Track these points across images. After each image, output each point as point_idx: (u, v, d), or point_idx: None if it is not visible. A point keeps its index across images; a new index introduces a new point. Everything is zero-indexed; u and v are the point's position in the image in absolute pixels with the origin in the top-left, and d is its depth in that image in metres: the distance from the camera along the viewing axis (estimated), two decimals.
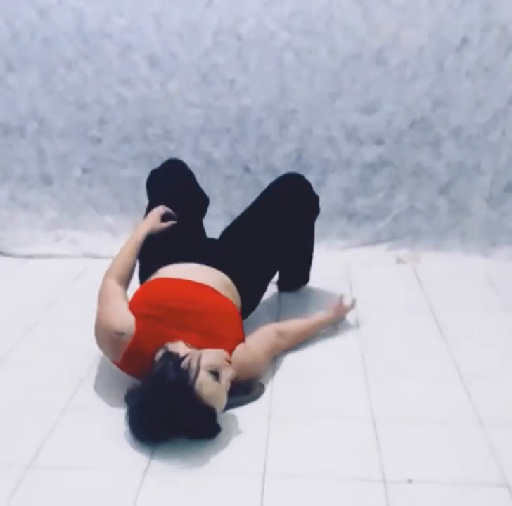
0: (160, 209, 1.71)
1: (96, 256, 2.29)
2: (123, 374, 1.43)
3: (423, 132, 2.29)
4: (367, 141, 2.27)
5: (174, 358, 1.28)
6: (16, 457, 1.22)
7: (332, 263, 2.19)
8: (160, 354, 1.33)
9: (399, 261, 2.28)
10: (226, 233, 1.81)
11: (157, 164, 2.33)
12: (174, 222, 1.71)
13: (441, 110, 2.26)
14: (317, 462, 1.20)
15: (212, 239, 1.82)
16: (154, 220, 1.68)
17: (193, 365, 1.24)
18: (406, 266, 2.26)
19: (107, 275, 1.55)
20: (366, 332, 1.73)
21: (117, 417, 1.31)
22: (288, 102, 2.26)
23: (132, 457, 1.22)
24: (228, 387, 1.28)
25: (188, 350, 1.32)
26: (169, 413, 1.21)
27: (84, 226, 2.41)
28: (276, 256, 1.76)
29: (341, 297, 1.77)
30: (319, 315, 1.75)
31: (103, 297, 1.49)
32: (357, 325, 1.76)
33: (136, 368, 1.37)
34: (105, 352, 1.45)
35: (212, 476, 1.17)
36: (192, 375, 1.22)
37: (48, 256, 2.34)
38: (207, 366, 1.25)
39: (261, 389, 1.46)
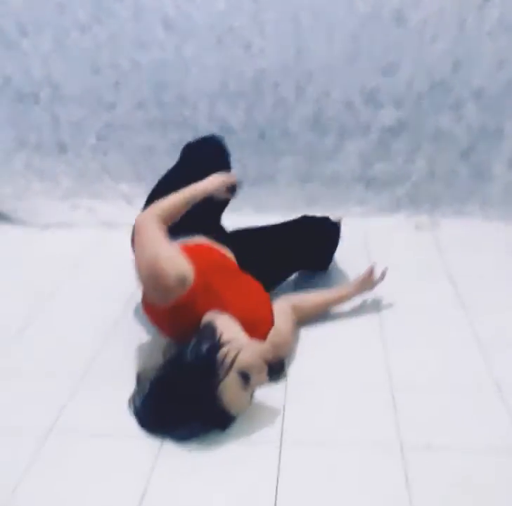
0: (231, 177, 1.55)
1: (112, 225, 2.28)
2: (143, 341, 1.44)
3: (443, 94, 2.22)
4: (386, 104, 2.22)
5: (214, 341, 1.19)
6: (38, 422, 1.23)
7: (350, 231, 2.16)
8: (205, 321, 1.27)
9: (418, 227, 2.24)
10: (240, 239, 1.72)
11: (172, 130, 2.32)
12: (232, 196, 1.60)
13: (462, 71, 2.19)
14: (335, 429, 1.21)
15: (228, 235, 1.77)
16: (220, 185, 1.50)
17: (228, 360, 1.15)
18: (425, 232, 2.21)
19: (152, 217, 1.34)
20: (385, 300, 1.71)
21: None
22: (305, 64, 2.20)
23: None
24: (254, 392, 1.22)
25: (232, 332, 1.24)
26: (182, 393, 1.14)
27: (100, 195, 2.40)
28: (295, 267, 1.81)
29: (370, 270, 1.67)
30: (342, 288, 1.70)
31: (156, 239, 1.29)
32: (375, 292, 1.73)
33: (178, 326, 1.30)
34: (152, 298, 1.32)
35: (229, 445, 1.17)
36: (221, 373, 1.14)
37: (65, 225, 2.33)
38: (242, 367, 1.16)
39: (282, 368, 1.39)
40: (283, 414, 1.26)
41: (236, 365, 1.15)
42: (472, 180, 2.29)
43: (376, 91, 2.22)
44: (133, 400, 1.24)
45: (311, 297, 1.66)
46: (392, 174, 2.30)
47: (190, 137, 2.30)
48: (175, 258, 1.27)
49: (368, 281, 1.67)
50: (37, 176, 2.43)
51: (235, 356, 1.16)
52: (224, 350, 1.17)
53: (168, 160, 2.34)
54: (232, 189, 1.57)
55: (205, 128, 2.28)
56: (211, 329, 1.23)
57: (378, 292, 1.72)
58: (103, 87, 2.31)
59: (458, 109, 2.24)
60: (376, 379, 1.37)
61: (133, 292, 1.66)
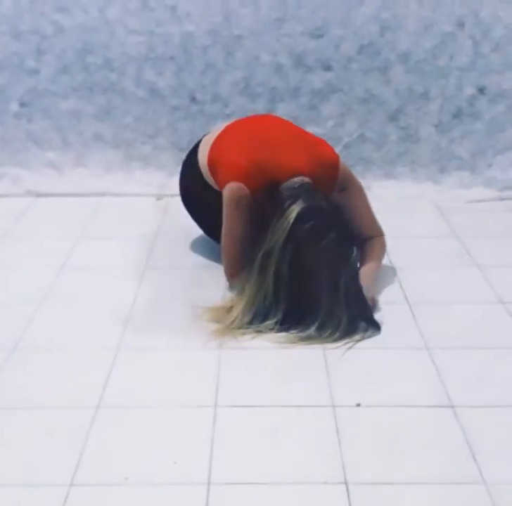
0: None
1: (39, 194, 2.22)
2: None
3: (372, 57, 2.27)
4: (315, 67, 2.24)
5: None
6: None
7: None
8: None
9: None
10: None
11: (98, 94, 2.27)
12: None
13: (389, 35, 2.25)
14: (270, 393, 1.21)
15: None
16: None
17: None
18: None
19: None
20: None
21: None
22: (233, 28, 2.19)
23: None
24: None
25: None
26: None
27: (26, 163, 2.33)
28: None
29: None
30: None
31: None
32: None
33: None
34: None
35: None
36: None
37: None
38: None
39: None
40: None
41: None
42: (401, 142, 2.35)
43: (305, 54, 2.23)
44: None
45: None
46: (323, 137, 2.26)
47: (118, 101, 2.28)
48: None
49: None
50: None
51: None
52: None
53: (96, 125, 2.31)
54: None
55: (133, 94, 2.26)
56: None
57: None
58: (25, 52, 2.24)
59: (386, 73, 2.29)
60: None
61: (63, 262, 1.63)
